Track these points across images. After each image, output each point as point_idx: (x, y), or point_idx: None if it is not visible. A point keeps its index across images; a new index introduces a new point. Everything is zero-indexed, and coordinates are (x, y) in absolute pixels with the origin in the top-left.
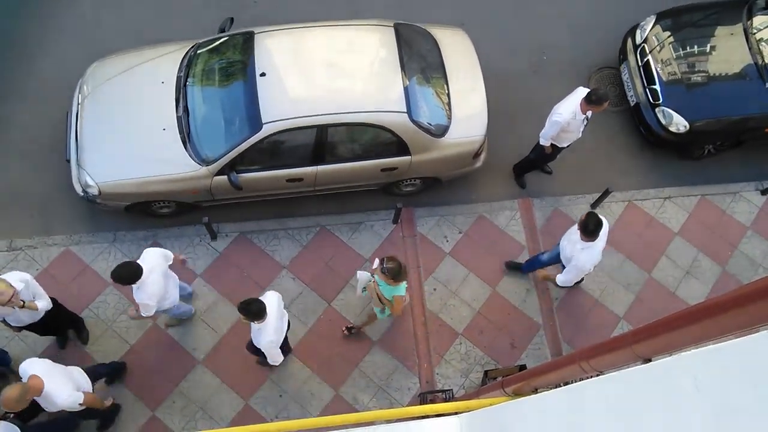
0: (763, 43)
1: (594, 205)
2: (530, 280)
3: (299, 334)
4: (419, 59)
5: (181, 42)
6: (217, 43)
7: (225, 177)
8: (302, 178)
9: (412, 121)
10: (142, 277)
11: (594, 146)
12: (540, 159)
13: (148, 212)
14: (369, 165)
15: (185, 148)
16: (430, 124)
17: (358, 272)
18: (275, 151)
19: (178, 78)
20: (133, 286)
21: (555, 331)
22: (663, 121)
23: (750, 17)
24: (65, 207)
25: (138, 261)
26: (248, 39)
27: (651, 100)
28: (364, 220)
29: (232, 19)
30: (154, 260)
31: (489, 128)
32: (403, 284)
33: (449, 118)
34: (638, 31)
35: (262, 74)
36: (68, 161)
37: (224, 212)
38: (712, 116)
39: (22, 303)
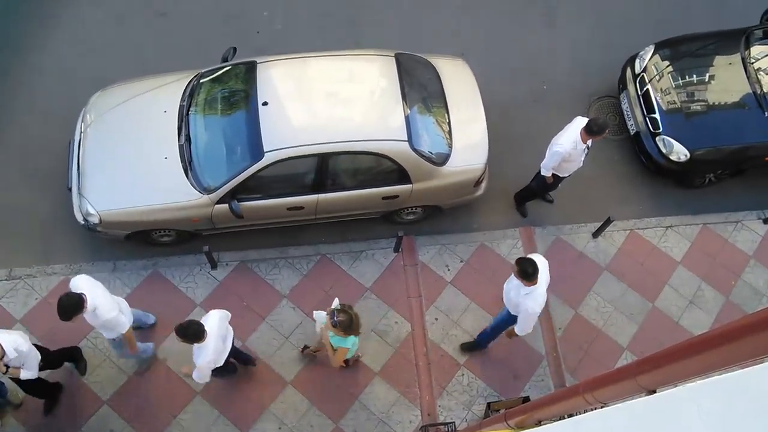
0: (761, 73)
1: (596, 234)
2: None
3: (299, 365)
4: (420, 88)
5: (184, 71)
6: (220, 72)
7: (226, 205)
8: (303, 207)
9: (413, 149)
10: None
11: (595, 175)
12: (541, 188)
13: (149, 241)
14: (370, 193)
15: (187, 176)
16: (431, 153)
17: (315, 312)
18: (276, 179)
19: (181, 107)
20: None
21: (558, 362)
22: (664, 150)
23: (748, 47)
24: (66, 235)
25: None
26: (251, 68)
27: (651, 129)
28: (365, 248)
29: (234, 49)
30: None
31: (490, 157)
32: (352, 338)
33: (450, 146)
34: (637, 61)
35: (264, 103)
36: (70, 189)
37: (225, 241)
38: (712, 145)
39: (5, 368)
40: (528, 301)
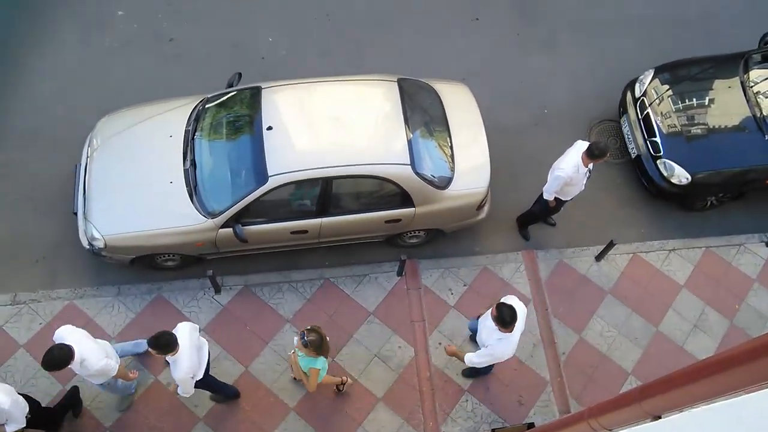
0: (760, 96)
1: (599, 257)
2: (537, 335)
3: (302, 391)
4: (422, 113)
5: (189, 97)
6: (225, 97)
7: (230, 229)
8: (307, 230)
9: (416, 173)
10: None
11: (596, 198)
12: (544, 212)
13: (153, 265)
14: (373, 217)
15: (191, 200)
16: (434, 176)
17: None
18: (280, 203)
19: (186, 132)
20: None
21: (563, 387)
22: (665, 173)
23: (746, 71)
24: (70, 260)
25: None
26: (255, 94)
27: (652, 152)
28: (369, 272)
29: (240, 75)
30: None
31: (492, 180)
32: (322, 359)
33: (452, 170)
34: (637, 85)
35: (269, 128)
36: (75, 214)
37: (228, 265)
38: (713, 168)
39: None
40: (499, 346)
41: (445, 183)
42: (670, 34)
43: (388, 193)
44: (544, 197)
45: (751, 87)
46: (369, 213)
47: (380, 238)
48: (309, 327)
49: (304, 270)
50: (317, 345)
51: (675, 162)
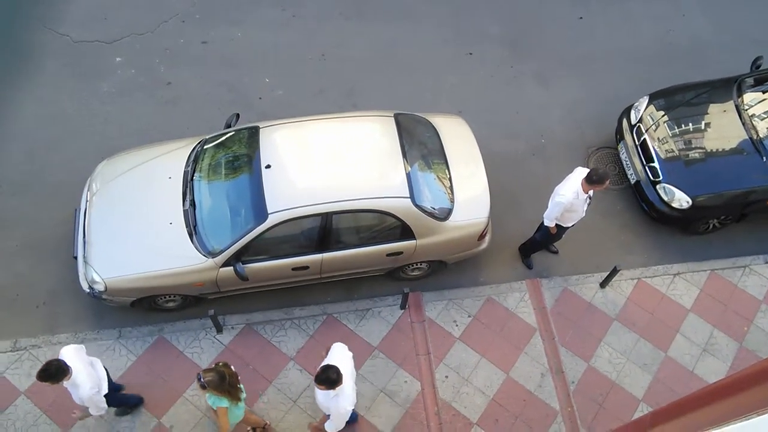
0: (755, 119)
1: (603, 283)
2: (544, 365)
3: (308, 430)
4: (420, 146)
5: (188, 138)
6: (224, 137)
7: (231, 268)
8: (308, 266)
9: (416, 205)
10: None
11: (598, 225)
12: (545, 239)
13: (154, 307)
14: (374, 250)
15: (191, 241)
16: (434, 208)
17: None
18: (281, 240)
19: (185, 173)
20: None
21: (573, 417)
22: (665, 198)
23: (740, 94)
24: (70, 304)
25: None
26: (253, 133)
27: (651, 178)
28: (371, 306)
29: (237, 115)
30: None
31: (492, 210)
32: (226, 399)
33: (452, 201)
34: (632, 112)
35: (268, 166)
36: (75, 258)
37: (230, 304)
38: (713, 191)
39: None
40: (339, 401)
41: (445, 214)
42: (662, 62)
43: (389, 226)
44: (545, 224)
45: (746, 110)
46: (370, 247)
47: (382, 272)
48: (208, 368)
49: (306, 306)
50: (216, 384)
51: (674, 186)
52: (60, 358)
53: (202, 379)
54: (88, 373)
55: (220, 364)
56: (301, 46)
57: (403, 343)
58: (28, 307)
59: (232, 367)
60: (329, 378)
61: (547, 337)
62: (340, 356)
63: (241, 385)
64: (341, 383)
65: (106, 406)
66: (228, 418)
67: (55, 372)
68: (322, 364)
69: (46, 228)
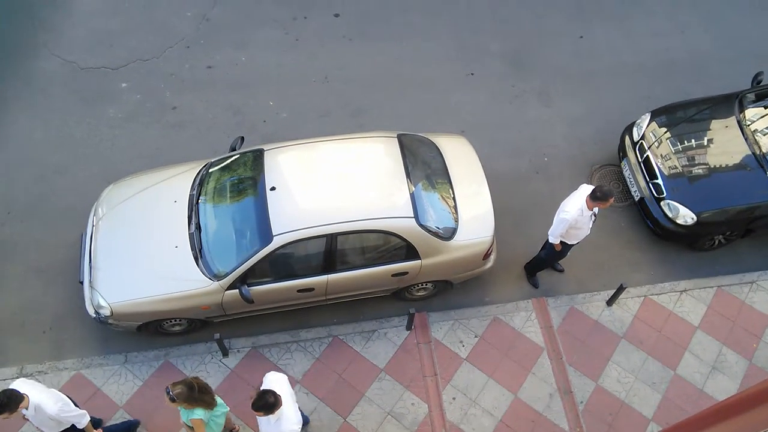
0: (758, 134)
1: (610, 301)
2: (552, 385)
3: None
4: (423, 166)
5: (193, 162)
6: (229, 161)
7: (236, 291)
8: (313, 288)
9: (420, 225)
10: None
11: (603, 242)
12: (551, 257)
13: (160, 331)
14: (380, 271)
15: (197, 264)
16: (438, 228)
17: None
18: (286, 262)
19: (191, 196)
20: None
21: None
22: (669, 214)
23: (742, 110)
24: (77, 329)
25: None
26: (258, 156)
27: (655, 194)
28: (377, 327)
29: (242, 138)
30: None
31: (497, 229)
32: (199, 409)
33: (456, 220)
34: (635, 129)
35: (272, 188)
36: (81, 283)
37: (236, 327)
38: (717, 207)
39: None
40: (282, 424)
41: (449, 234)
42: (663, 78)
43: (394, 246)
44: (550, 240)
45: (748, 125)
46: (375, 267)
47: (388, 292)
48: (174, 382)
49: (312, 328)
50: (186, 396)
51: (679, 203)
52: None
53: (170, 393)
54: (47, 395)
55: (189, 379)
56: (304, 69)
57: (409, 364)
58: (34, 333)
59: (202, 380)
60: (267, 402)
61: (554, 356)
62: (273, 381)
63: (218, 398)
64: (280, 405)
65: (84, 411)
66: (209, 429)
67: (7, 401)
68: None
69: (53, 253)
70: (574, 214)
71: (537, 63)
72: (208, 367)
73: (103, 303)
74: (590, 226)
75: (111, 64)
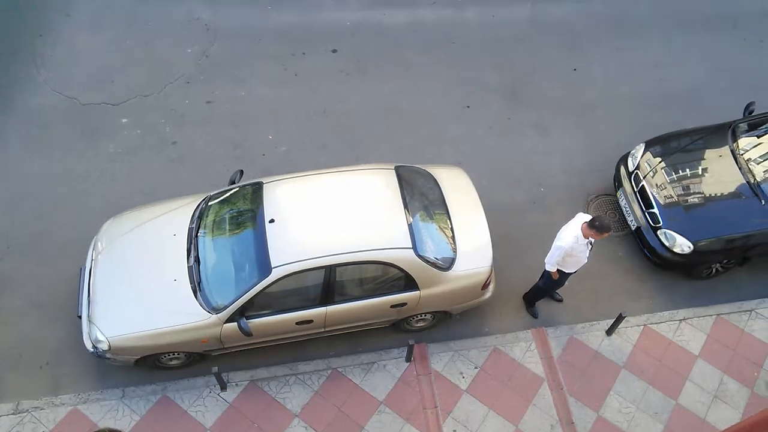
0: (752, 163)
1: (609, 331)
2: (554, 416)
3: None
4: (421, 197)
5: (193, 195)
6: (228, 194)
7: (235, 324)
8: (312, 320)
9: (418, 255)
10: None
11: (601, 272)
12: (549, 286)
13: (158, 365)
14: (378, 302)
15: (196, 297)
16: (437, 258)
17: None
18: (285, 294)
19: (190, 229)
20: None
21: None
22: (666, 243)
23: (735, 139)
24: (73, 364)
25: None
26: (257, 189)
27: (651, 224)
28: (377, 359)
29: (241, 171)
30: None
31: (495, 259)
32: None
33: (454, 251)
34: (630, 159)
35: (271, 221)
36: (79, 317)
37: (234, 360)
38: (714, 235)
39: None
40: None
41: (448, 264)
42: (657, 109)
43: (392, 277)
44: (546, 268)
45: (742, 155)
46: (374, 298)
47: (387, 324)
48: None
49: (310, 361)
50: None
51: (675, 231)
52: None
53: None
54: None
55: (103, 427)
56: (303, 103)
57: (409, 396)
58: (31, 368)
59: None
60: None
61: (555, 387)
62: None
63: None
64: None
65: None
66: None
67: None
68: None
69: (52, 287)
70: (569, 241)
71: (532, 95)
72: (206, 402)
73: (101, 337)
74: (587, 255)
75: (112, 100)
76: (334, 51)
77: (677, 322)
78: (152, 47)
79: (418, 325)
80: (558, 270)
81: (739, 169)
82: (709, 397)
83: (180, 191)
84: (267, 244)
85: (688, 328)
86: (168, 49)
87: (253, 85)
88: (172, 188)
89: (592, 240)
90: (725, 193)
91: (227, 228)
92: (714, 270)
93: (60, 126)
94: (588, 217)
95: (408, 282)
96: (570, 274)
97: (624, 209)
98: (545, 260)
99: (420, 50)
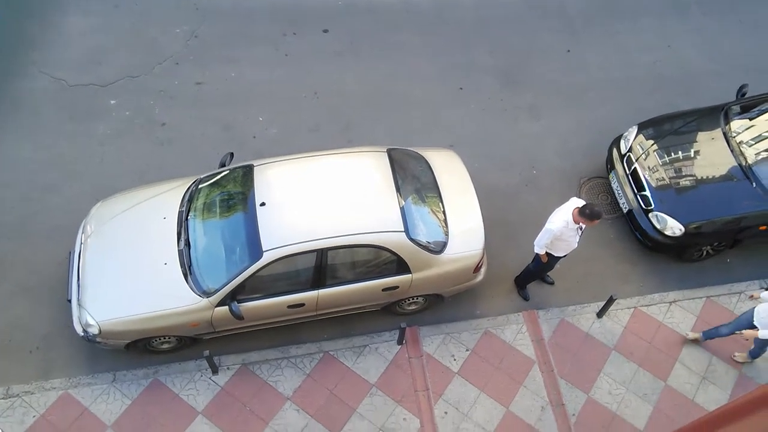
0: (743, 146)
1: (600, 313)
2: (544, 398)
3: None
4: (413, 180)
5: (182, 178)
6: (218, 177)
7: (226, 308)
8: (304, 303)
9: (410, 239)
10: None
11: (592, 255)
12: (539, 269)
13: (149, 349)
14: (370, 285)
15: (186, 281)
16: (429, 242)
17: None
18: (276, 277)
19: (180, 212)
20: None
21: None
22: (658, 226)
23: (728, 122)
24: (64, 348)
25: None
26: (248, 171)
27: (643, 206)
28: (368, 342)
29: (232, 154)
30: None
31: (487, 242)
32: None
33: (446, 234)
34: (622, 142)
35: (262, 204)
36: (69, 301)
37: (225, 344)
38: (705, 218)
39: None
40: None
41: (440, 247)
42: (651, 92)
43: (384, 260)
44: (535, 250)
45: (734, 137)
46: (366, 282)
47: (379, 307)
48: None
49: (302, 344)
50: None
51: (667, 214)
52: None
53: None
54: None
55: None
56: (294, 85)
57: (401, 379)
58: (21, 352)
59: None
60: None
61: (545, 369)
62: None
63: None
64: None
65: None
66: None
67: None
68: None
69: (42, 271)
70: (559, 225)
71: (526, 78)
72: (198, 385)
73: (91, 321)
74: (578, 240)
75: (100, 81)
76: (326, 31)
77: (667, 304)
78: (140, 27)
79: (410, 308)
80: (547, 253)
81: (731, 151)
82: (698, 379)
83: (170, 174)
84: (258, 228)
85: (678, 310)
86: (156, 29)
87: (243, 66)
88: (161, 171)
89: (583, 226)
90: (717, 176)
91: (218, 211)
92: (705, 252)
93: (48, 108)
94: (581, 203)
95: (400, 265)
96: (560, 257)
97: (616, 192)
98: (534, 242)
99: (413, 31)
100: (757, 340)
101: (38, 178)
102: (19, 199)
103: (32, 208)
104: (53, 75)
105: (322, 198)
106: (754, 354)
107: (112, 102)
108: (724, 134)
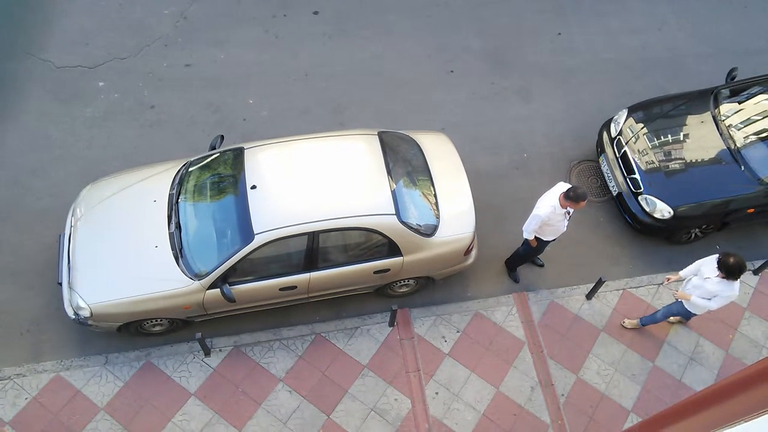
0: (732, 129)
1: (589, 295)
2: (534, 378)
3: None
4: (404, 163)
5: (172, 161)
6: (208, 159)
7: (218, 290)
8: (295, 286)
9: (401, 222)
10: None
11: (582, 237)
12: (529, 252)
13: (140, 331)
14: (362, 268)
15: (177, 263)
16: (420, 225)
17: None
18: (268, 260)
19: (170, 195)
20: None
21: (564, 430)
22: (647, 209)
23: (717, 105)
24: (56, 331)
25: None
26: (238, 154)
27: (632, 189)
28: (360, 324)
29: (222, 137)
30: None
31: (477, 225)
32: None
33: (438, 217)
34: (612, 125)
35: (253, 187)
36: (60, 284)
37: (217, 326)
38: (694, 201)
39: None
40: None
41: (431, 230)
42: (641, 75)
43: (375, 243)
44: (524, 236)
45: (723, 120)
46: (357, 264)
47: (370, 290)
48: None
49: (294, 326)
50: None
51: (656, 197)
52: None
53: None
54: None
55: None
56: (284, 67)
57: (392, 360)
58: (11, 335)
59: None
60: None
61: (535, 350)
62: None
63: None
64: None
65: None
66: None
67: None
68: None
69: (31, 254)
70: (546, 210)
71: (516, 60)
72: (190, 367)
73: (82, 304)
74: (566, 224)
75: (87, 63)
76: (316, 13)
77: (656, 286)
78: (128, 9)
79: (401, 290)
80: (536, 238)
81: (720, 134)
82: (685, 359)
83: (159, 156)
84: (249, 211)
85: (667, 292)
86: (144, 10)
87: (232, 48)
88: (151, 153)
89: (570, 210)
90: (706, 159)
91: (208, 194)
92: (693, 235)
93: (34, 90)
94: (567, 187)
95: (391, 248)
96: (549, 241)
97: (606, 175)
98: (522, 228)
99: (403, 13)
100: (681, 305)
101: (26, 160)
102: (6, 183)
103: (20, 190)
104: (39, 56)
105: (313, 181)
106: (646, 321)
107: (101, 84)
108: (714, 118)
